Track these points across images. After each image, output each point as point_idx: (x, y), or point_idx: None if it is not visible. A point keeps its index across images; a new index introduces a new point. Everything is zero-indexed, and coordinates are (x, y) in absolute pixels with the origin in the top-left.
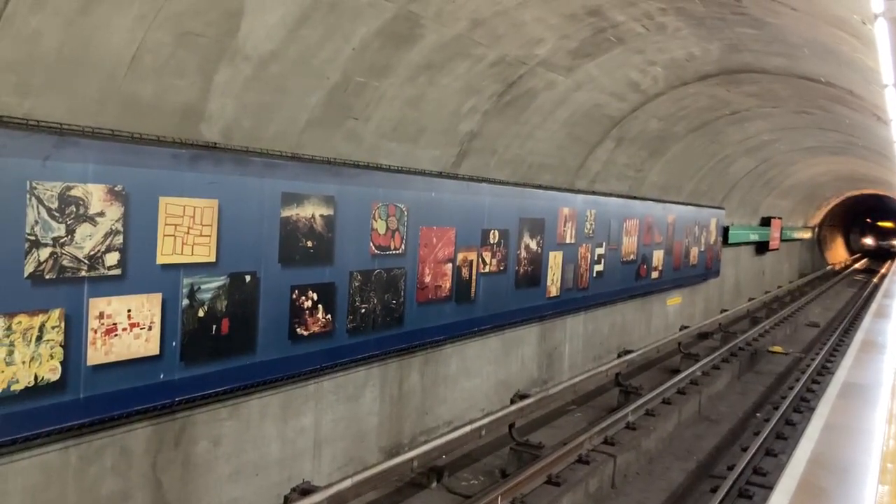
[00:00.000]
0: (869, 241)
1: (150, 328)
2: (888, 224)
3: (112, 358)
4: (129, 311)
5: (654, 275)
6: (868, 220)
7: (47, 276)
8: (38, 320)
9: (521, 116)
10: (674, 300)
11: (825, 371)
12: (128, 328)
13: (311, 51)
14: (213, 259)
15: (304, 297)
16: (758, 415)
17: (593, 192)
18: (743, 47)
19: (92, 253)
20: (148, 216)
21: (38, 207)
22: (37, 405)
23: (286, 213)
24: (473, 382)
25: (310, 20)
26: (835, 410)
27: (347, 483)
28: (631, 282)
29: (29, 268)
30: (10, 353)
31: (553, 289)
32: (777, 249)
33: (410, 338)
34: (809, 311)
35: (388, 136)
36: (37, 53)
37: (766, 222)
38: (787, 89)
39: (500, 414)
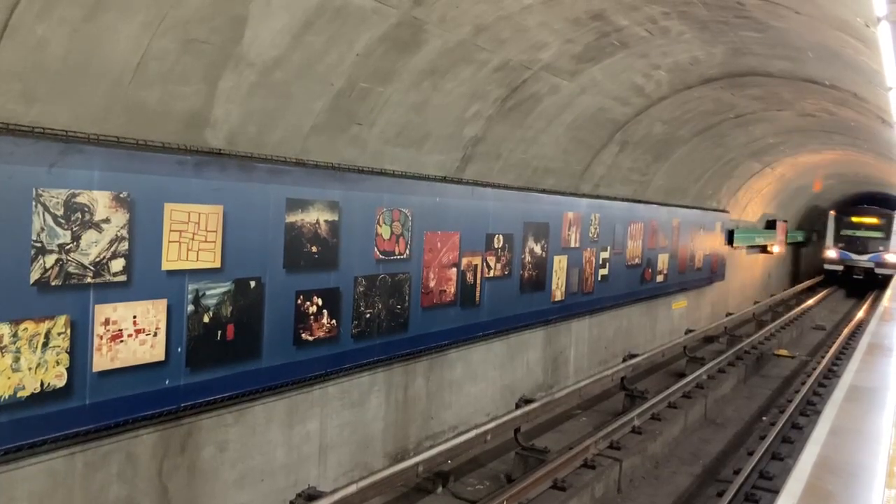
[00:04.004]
0: (832, 253)
1: (155, 334)
2: (870, 219)
3: (118, 364)
4: (134, 317)
5: (660, 278)
6: (833, 212)
7: (53, 283)
8: (43, 327)
9: (526, 121)
10: (679, 304)
11: (831, 374)
12: (133, 334)
13: (315, 57)
14: (218, 265)
15: (308, 303)
16: (764, 418)
17: (598, 196)
18: (747, 51)
19: (97, 259)
20: (153, 222)
21: (43, 214)
22: (43, 411)
23: (291, 218)
24: (479, 387)
25: (314, 26)
26: (841, 414)
27: (353, 488)
28: (636, 286)
29: (35, 274)
30: (17, 359)
31: (558, 293)
32: (783, 252)
33: (415, 343)
34: (815, 314)
35: (392, 142)
36: (42, 61)
37: (771, 225)
38: (791, 92)
39: (505, 418)
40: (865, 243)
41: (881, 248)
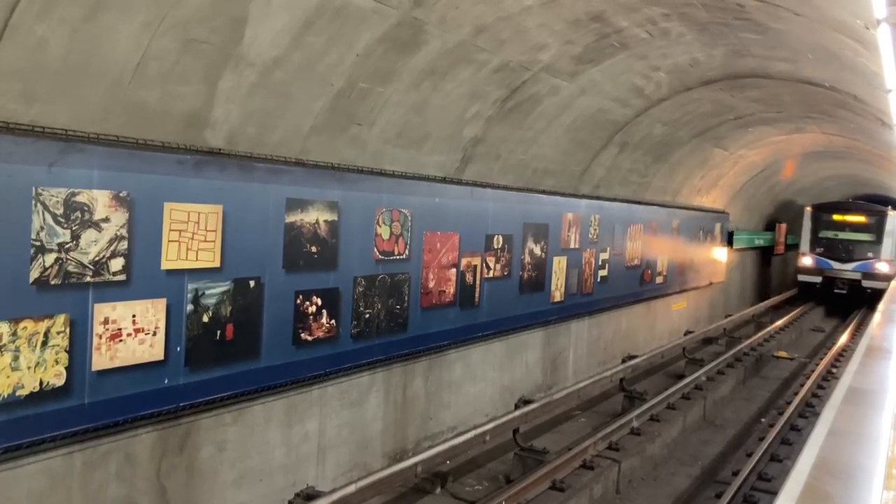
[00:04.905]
0: (807, 260)
1: (154, 333)
2: (857, 218)
3: (117, 363)
4: (133, 316)
5: (659, 280)
6: (810, 208)
7: (52, 282)
8: (43, 326)
9: (525, 122)
10: (679, 305)
11: (830, 376)
12: (132, 333)
13: (315, 57)
14: (217, 264)
15: (308, 303)
16: (763, 420)
17: (597, 198)
18: (746, 52)
19: (97, 258)
20: (153, 222)
21: (43, 213)
22: (42, 410)
23: (290, 218)
24: (478, 388)
25: (314, 27)
26: (840, 415)
27: (351, 488)
28: (635, 287)
29: (34, 273)
30: (16, 358)
31: (557, 294)
32: (782, 254)
33: (414, 343)
34: (815, 316)
35: (391, 142)
36: (42, 61)
37: (770, 227)
38: (790, 94)
39: (504, 419)
40: (850, 248)
41: (870, 255)
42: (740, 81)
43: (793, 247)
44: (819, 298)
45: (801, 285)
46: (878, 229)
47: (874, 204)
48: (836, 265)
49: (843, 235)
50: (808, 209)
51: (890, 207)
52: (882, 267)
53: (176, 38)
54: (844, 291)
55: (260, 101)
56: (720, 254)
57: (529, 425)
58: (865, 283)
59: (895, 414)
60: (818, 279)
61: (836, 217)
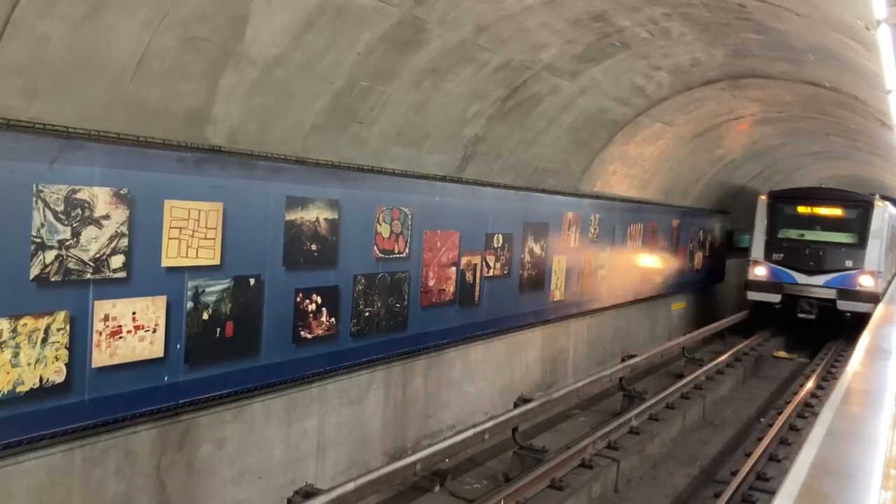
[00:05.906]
0: (761, 271)
1: (154, 330)
2: (831, 210)
3: (117, 360)
4: (133, 313)
5: (658, 279)
6: (765, 196)
7: (53, 279)
8: (43, 322)
9: (526, 121)
10: (678, 305)
11: (829, 376)
12: (132, 330)
13: (316, 55)
14: (217, 262)
15: (308, 301)
16: (762, 420)
17: (598, 197)
18: (748, 52)
19: (97, 255)
20: (153, 219)
21: (44, 210)
22: (42, 407)
23: (291, 216)
24: (477, 386)
25: (315, 25)
26: (839, 416)
27: (350, 486)
28: (635, 286)
29: (35, 270)
30: (16, 354)
31: (557, 293)
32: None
33: (414, 341)
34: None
35: (392, 141)
36: (44, 58)
37: None
38: (791, 94)
39: (503, 418)
40: (821, 254)
41: (849, 264)
42: (741, 81)
43: None
44: (778, 324)
45: (754, 306)
46: (860, 227)
47: (854, 192)
48: (800, 278)
49: (811, 236)
50: (763, 198)
51: (877, 196)
52: (865, 281)
53: (177, 35)
54: (812, 316)
55: (261, 99)
56: (719, 254)
57: (529, 424)
58: (842, 305)
59: (894, 414)
60: (776, 298)
61: (801, 209)
